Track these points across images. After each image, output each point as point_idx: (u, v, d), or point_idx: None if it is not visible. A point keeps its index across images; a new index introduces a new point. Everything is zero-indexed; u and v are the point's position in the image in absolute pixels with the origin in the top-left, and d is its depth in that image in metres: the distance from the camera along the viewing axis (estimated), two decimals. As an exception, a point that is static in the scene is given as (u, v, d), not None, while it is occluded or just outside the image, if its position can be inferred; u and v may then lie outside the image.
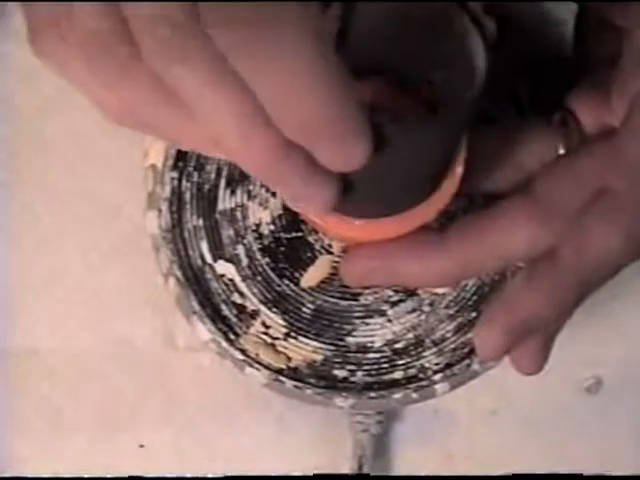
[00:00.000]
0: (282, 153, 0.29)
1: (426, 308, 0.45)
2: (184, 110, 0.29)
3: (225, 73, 0.27)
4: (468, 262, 0.38)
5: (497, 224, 0.38)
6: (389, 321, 0.45)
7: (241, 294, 0.45)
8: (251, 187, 0.45)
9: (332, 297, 0.45)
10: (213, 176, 0.45)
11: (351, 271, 0.41)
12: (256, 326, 0.45)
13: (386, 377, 0.45)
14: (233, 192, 0.45)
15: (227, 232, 0.45)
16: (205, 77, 0.27)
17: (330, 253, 0.45)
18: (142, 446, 0.50)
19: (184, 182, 0.45)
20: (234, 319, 0.45)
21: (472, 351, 0.45)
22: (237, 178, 0.45)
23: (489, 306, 0.40)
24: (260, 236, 0.45)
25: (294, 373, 0.45)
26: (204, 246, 0.45)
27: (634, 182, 0.36)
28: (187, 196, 0.45)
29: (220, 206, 0.45)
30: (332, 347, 0.45)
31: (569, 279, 0.37)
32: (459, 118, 0.33)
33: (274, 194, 0.45)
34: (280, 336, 0.45)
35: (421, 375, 0.45)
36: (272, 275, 0.45)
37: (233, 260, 0.45)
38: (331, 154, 0.29)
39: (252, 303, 0.45)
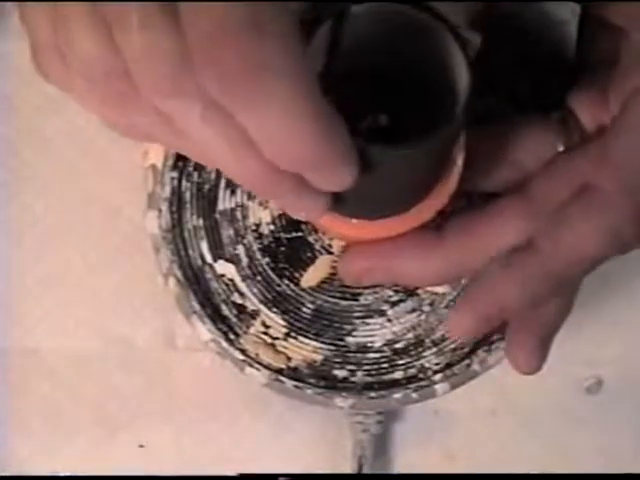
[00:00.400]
0: (275, 176, 0.30)
1: (426, 308, 0.45)
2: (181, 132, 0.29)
3: (218, 106, 0.28)
4: (464, 261, 0.38)
5: (492, 223, 0.38)
6: (389, 321, 0.45)
7: (241, 294, 0.45)
8: (251, 187, 0.45)
9: (332, 297, 0.45)
10: (213, 176, 0.45)
11: (349, 270, 0.41)
12: (256, 326, 0.45)
13: (386, 377, 0.45)
14: (233, 192, 0.45)
15: (227, 232, 0.45)
16: (197, 110, 0.28)
17: (330, 253, 0.45)
18: (142, 446, 0.50)
19: (184, 182, 0.45)
20: (234, 319, 0.45)
21: (472, 351, 0.45)
22: (237, 178, 0.45)
23: (466, 289, 0.41)
24: (260, 236, 0.45)
25: (294, 373, 0.45)
26: (204, 246, 0.45)
27: (620, 180, 0.36)
28: (187, 196, 0.45)
29: (220, 206, 0.45)
30: (332, 347, 0.45)
31: (543, 270, 0.38)
32: (444, 139, 0.33)
33: (274, 194, 0.45)
34: (280, 336, 0.45)
35: (421, 375, 0.45)
36: (272, 275, 0.45)
37: (233, 260, 0.45)
38: (320, 179, 0.31)
39: (252, 303, 0.45)
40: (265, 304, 0.45)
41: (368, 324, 0.45)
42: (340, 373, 0.45)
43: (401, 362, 0.45)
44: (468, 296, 0.40)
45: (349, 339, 0.45)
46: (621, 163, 0.36)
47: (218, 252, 0.45)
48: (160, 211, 0.45)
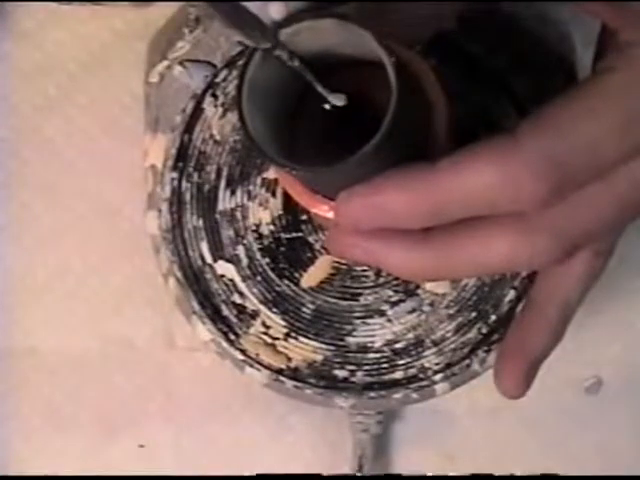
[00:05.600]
0: None
1: (426, 308, 0.45)
2: None
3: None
4: (448, 264, 0.37)
5: (478, 235, 0.37)
6: (389, 321, 0.45)
7: (241, 294, 0.45)
8: (251, 187, 0.45)
9: (332, 297, 0.45)
10: (213, 176, 0.45)
11: (334, 242, 0.40)
12: (256, 326, 0.45)
13: (386, 377, 0.45)
14: (233, 192, 0.45)
15: (227, 232, 0.45)
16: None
17: (330, 253, 0.45)
18: (142, 446, 0.50)
19: (184, 182, 0.45)
20: (234, 319, 0.45)
21: (472, 351, 0.45)
22: (237, 178, 0.45)
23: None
24: (260, 236, 0.45)
25: (294, 373, 0.45)
26: (204, 246, 0.45)
27: (538, 138, 0.35)
28: (187, 196, 0.45)
29: (220, 206, 0.45)
30: (332, 347, 0.45)
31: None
32: (369, 156, 0.33)
33: (274, 194, 0.45)
34: (280, 336, 0.45)
35: (421, 375, 0.45)
36: (272, 275, 0.45)
37: (233, 260, 0.45)
38: None
39: (252, 303, 0.45)
40: (265, 304, 0.45)
41: (368, 324, 0.45)
42: (340, 373, 0.45)
43: (401, 362, 0.45)
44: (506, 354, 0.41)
45: (349, 339, 0.45)
46: (547, 123, 0.35)
47: (218, 252, 0.45)
48: (160, 211, 0.45)
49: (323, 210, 0.37)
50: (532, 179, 0.34)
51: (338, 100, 0.35)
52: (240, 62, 0.44)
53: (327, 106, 0.35)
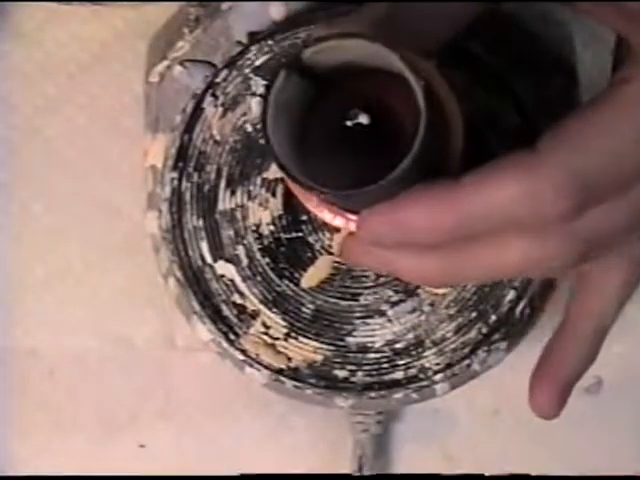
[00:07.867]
0: None
1: (426, 308, 0.45)
2: None
3: None
4: (460, 271, 0.37)
5: (491, 241, 0.37)
6: (389, 321, 0.45)
7: (241, 294, 0.45)
8: (251, 187, 0.45)
9: (332, 297, 0.45)
10: (213, 176, 0.45)
11: (347, 250, 0.40)
12: (256, 326, 0.45)
13: (386, 377, 0.45)
14: (233, 192, 0.45)
15: (227, 232, 0.45)
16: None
17: (330, 253, 0.45)
18: (142, 446, 0.50)
19: (184, 182, 0.45)
20: (234, 319, 0.45)
21: (472, 351, 0.45)
22: (237, 178, 0.45)
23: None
24: (260, 236, 0.45)
25: (294, 373, 0.45)
26: (204, 246, 0.45)
27: (559, 152, 0.35)
28: (187, 196, 0.45)
29: (220, 206, 0.45)
30: (332, 347, 0.45)
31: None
32: (395, 181, 0.33)
33: (274, 194, 0.45)
34: (280, 336, 0.45)
35: (421, 375, 0.45)
36: (272, 275, 0.45)
37: (233, 260, 0.45)
38: None
39: (252, 303, 0.45)
40: (265, 304, 0.45)
41: (368, 324, 0.45)
42: (340, 373, 0.45)
43: (401, 362, 0.45)
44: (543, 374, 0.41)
45: (349, 339, 0.45)
46: (568, 137, 0.35)
47: (218, 252, 0.45)
48: (160, 211, 0.45)
49: (343, 223, 0.37)
50: (555, 195, 0.34)
51: (364, 119, 0.35)
52: (240, 62, 0.44)
53: (348, 123, 0.35)
